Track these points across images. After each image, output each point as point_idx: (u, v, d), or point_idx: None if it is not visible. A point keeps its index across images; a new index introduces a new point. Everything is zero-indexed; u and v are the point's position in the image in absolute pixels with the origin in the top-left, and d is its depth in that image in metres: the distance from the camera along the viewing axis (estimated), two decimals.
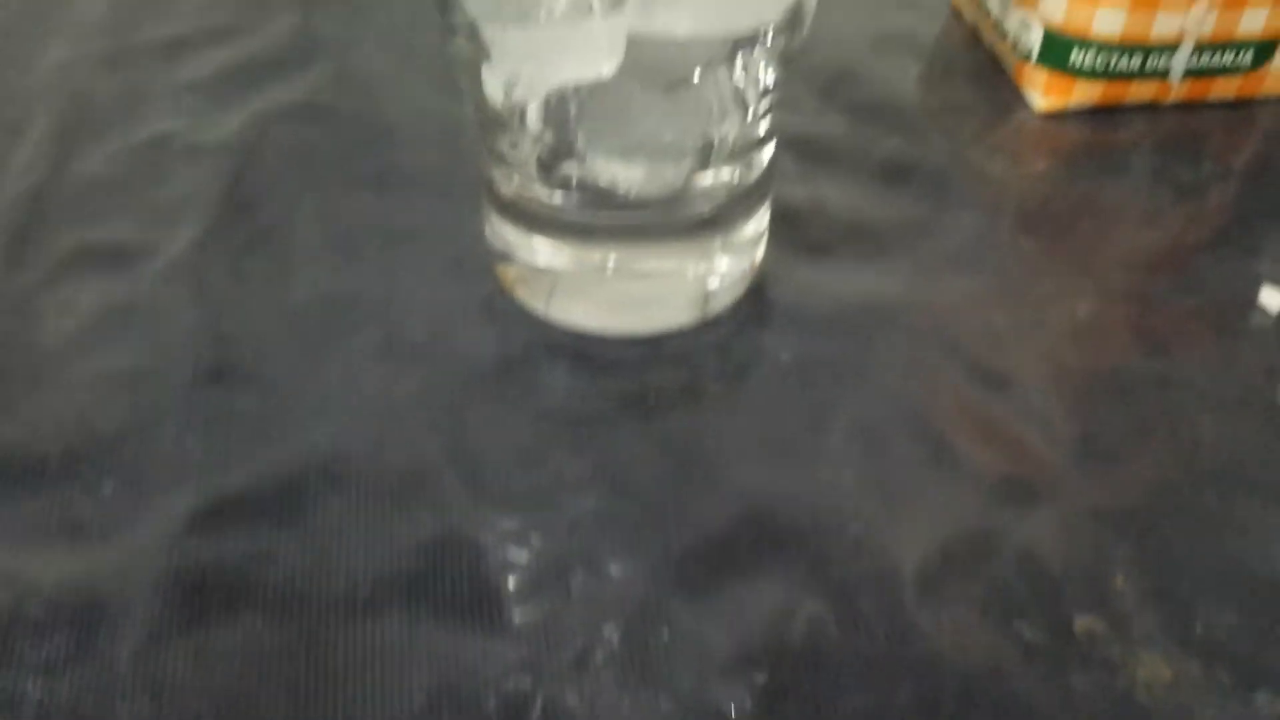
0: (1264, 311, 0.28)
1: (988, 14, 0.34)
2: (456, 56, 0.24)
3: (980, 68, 0.34)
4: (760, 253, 0.28)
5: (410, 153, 0.31)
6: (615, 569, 0.22)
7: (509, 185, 0.26)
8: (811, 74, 0.34)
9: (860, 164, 0.31)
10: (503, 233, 0.27)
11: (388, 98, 0.32)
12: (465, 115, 0.31)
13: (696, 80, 0.25)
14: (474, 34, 0.24)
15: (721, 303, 0.28)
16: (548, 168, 0.26)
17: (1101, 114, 0.33)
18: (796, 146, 0.31)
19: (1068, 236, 0.29)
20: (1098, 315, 0.28)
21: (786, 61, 0.26)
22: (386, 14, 0.35)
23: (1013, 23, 0.33)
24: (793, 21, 0.25)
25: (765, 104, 0.26)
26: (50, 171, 0.30)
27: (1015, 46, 0.33)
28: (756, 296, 0.28)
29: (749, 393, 0.25)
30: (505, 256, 0.27)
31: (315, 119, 0.32)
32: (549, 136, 0.25)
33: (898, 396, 0.25)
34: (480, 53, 0.24)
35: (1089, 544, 0.23)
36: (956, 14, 0.36)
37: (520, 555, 0.22)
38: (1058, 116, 0.33)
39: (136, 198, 0.29)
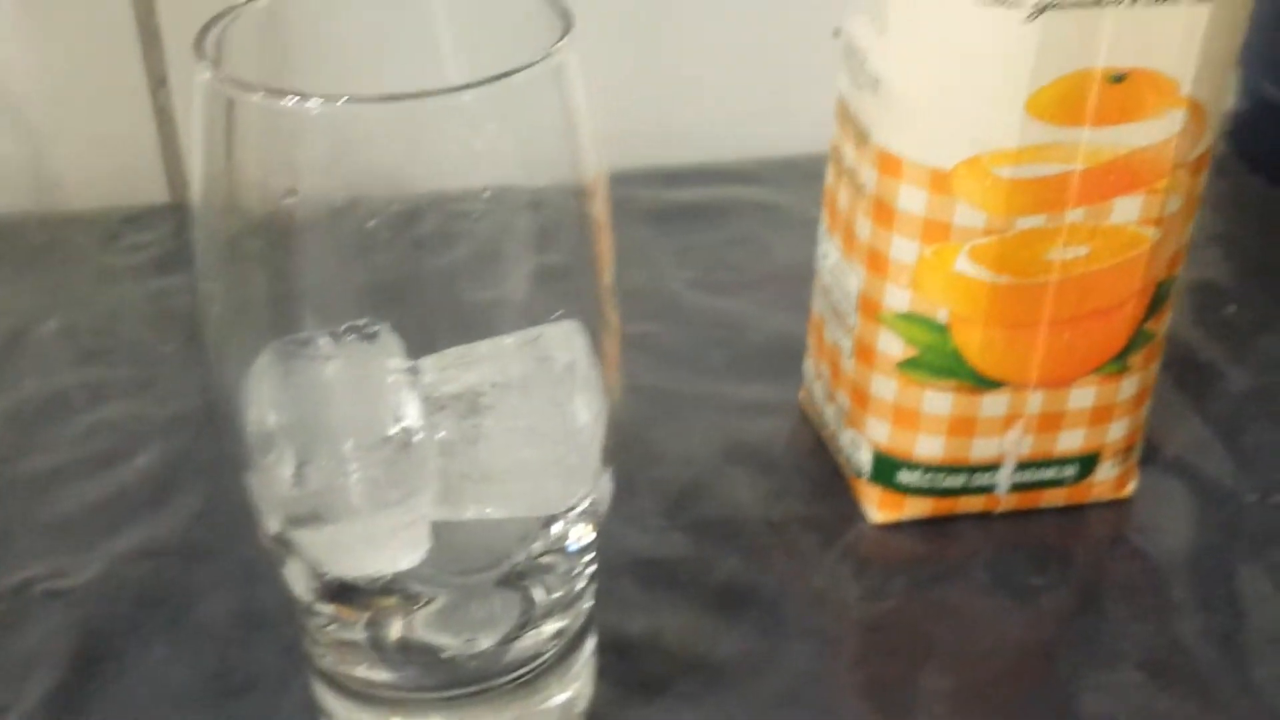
0: None
1: (827, 425, 0.36)
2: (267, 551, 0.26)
3: (825, 476, 0.36)
4: (585, 700, 0.29)
5: (266, 595, 0.32)
6: None
7: (325, 662, 0.27)
8: (660, 489, 0.35)
9: (700, 588, 0.32)
10: (326, 701, 0.28)
11: (250, 535, 0.33)
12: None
13: (511, 555, 0.26)
14: (275, 535, 0.25)
15: None
16: (368, 644, 0.27)
17: (937, 523, 0.34)
18: (637, 570, 0.33)
19: (897, 664, 0.30)
20: None
21: (596, 525, 0.27)
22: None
23: (846, 440, 0.34)
24: (600, 490, 0.27)
25: (581, 563, 0.28)
26: None
27: (849, 462, 0.34)
28: None
29: None
30: (331, 718, 0.28)
31: (175, 557, 0.33)
32: (359, 629, 0.26)
33: None
34: (282, 549, 0.25)
35: None
36: (804, 419, 0.38)
37: None
38: (894, 527, 0.34)
39: None
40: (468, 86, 0.21)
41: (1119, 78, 0.28)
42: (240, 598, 0.32)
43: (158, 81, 0.47)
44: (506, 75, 0.21)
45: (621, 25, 0.50)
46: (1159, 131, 0.28)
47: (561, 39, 0.22)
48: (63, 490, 0.35)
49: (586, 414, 0.25)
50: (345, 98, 0.21)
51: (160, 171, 0.48)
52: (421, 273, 0.24)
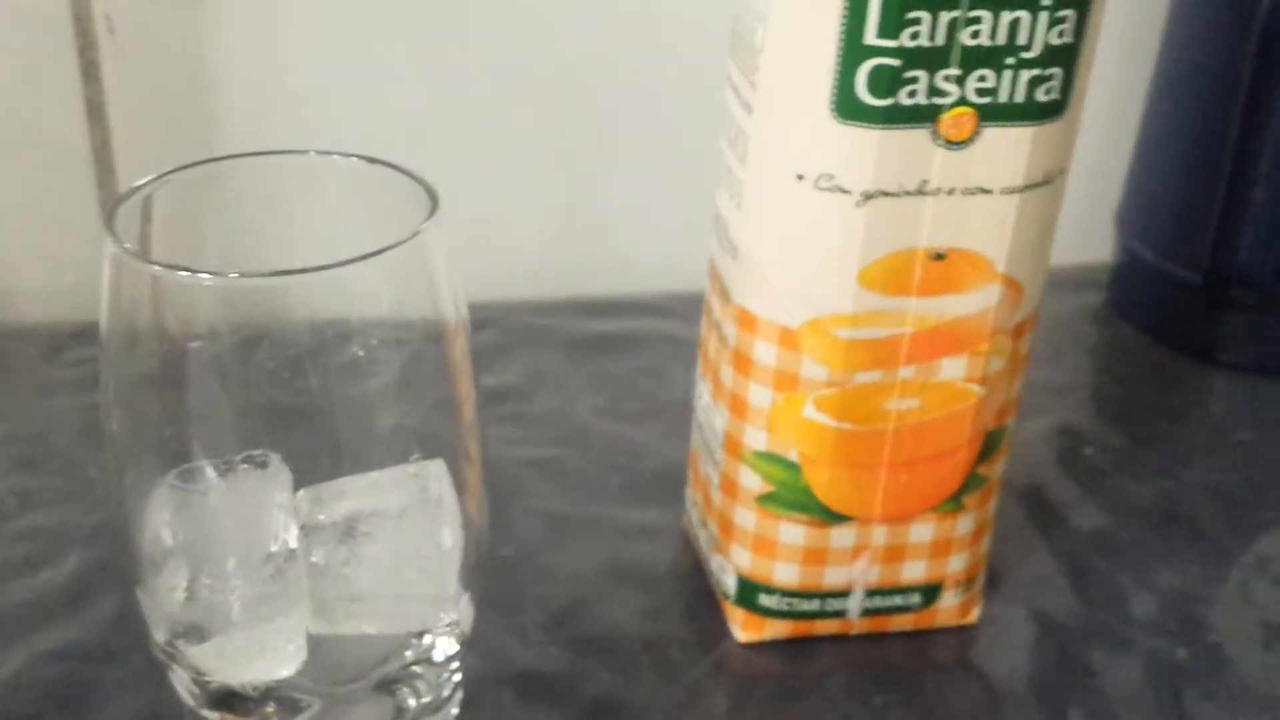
0: None
1: (701, 550, 0.39)
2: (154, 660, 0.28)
3: (700, 597, 0.39)
4: None
5: (165, 694, 0.34)
6: None
7: None
8: (545, 606, 0.38)
9: (574, 701, 0.35)
10: None
11: None
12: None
13: (383, 665, 0.29)
14: (162, 644, 0.28)
15: None
16: None
17: (796, 644, 0.37)
18: (515, 682, 0.35)
19: None
20: None
21: (460, 638, 0.30)
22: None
23: (715, 565, 0.37)
24: (462, 610, 0.30)
25: (448, 672, 0.30)
26: None
27: (719, 585, 0.37)
28: None
29: None
30: None
31: (87, 659, 0.35)
32: None
33: None
34: (169, 657, 0.28)
35: None
36: (686, 540, 0.41)
37: None
38: (757, 646, 0.37)
39: None
40: (346, 262, 0.25)
41: (940, 256, 0.31)
42: (146, 699, 0.34)
43: (108, 204, 0.50)
44: (378, 252, 0.25)
45: (550, 167, 0.54)
46: (978, 303, 0.32)
47: (428, 219, 0.26)
48: None
49: (449, 542, 0.28)
50: (234, 274, 0.24)
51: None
52: (304, 409, 0.27)
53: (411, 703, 0.30)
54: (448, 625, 0.29)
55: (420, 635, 0.29)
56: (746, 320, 0.34)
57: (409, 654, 0.29)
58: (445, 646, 0.29)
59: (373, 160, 0.27)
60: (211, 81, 0.50)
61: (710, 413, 0.36)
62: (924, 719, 0.35)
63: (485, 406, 0.31)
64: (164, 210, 0.27)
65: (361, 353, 0.26)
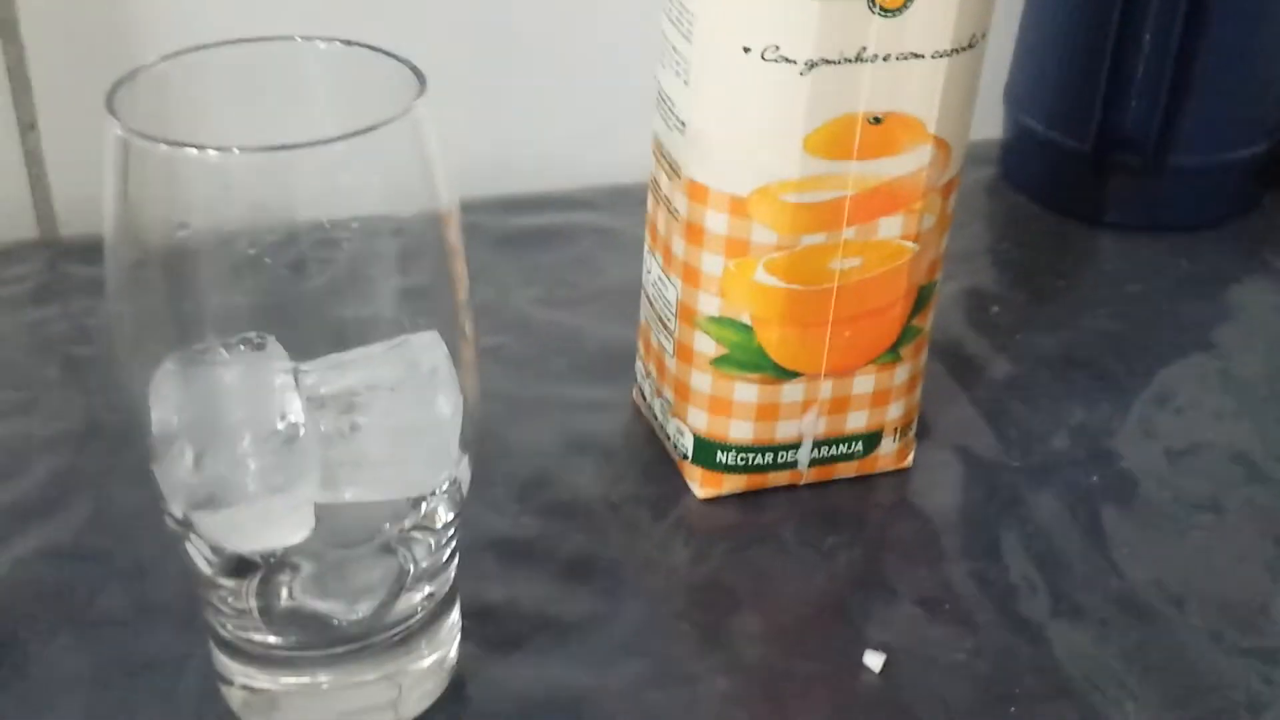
0: (869, 670, 0.34)
1: (655, 418, 0.41)
2: (170, 532, 0.30)
3: (655, 461, 0.41)
4: (453, 656, 0.33)
5: (158, 587, 0.35)
6: None
7: (226, 630, 0.31)
8: (512, 479, 0.40)
9: (550, 561, 0.37)
10: (225, 665, 0.32)
11: (139, 536, 0.37)
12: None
13: (385, 529, 0.31)
14: (178, 517, 0.29)
15: (422, 705, 0.33)
16: (261, 611, 0.31)
17: (751, 496, 0.40)
18: (496, 547, 0.37)
19: (717, 614, 0.36)
20: (736, 688, 0.33)
21: (458, 503, 0.32)
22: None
23: (672, 429, 0.40)
24: (460, 473, 0.32)
25: (446, 536, 0.32)
26: None
27: (675, 447, 0.40)
28: (455, 693, 0.33)
29: None
30: (230, 682, 0.32)
31: (70, 558, 0.36)
32: (253, 597, 0.30)
33: None
34: (185, 529, 0.29)
35: None
36: (637, 413, 0.43)
37: None
38: (715, 501, 0.39)
39: None
40: (344, 137, 0.26)
41: (877, 120, 0.34)
42: (134, 591, 0.36)
43: (27, 125, 0.50)
44: (374, 128, 0.26)
45: (466, 72, 0.55)
46: (912, 163, 0.35)
47: (418, 96, 0.27)
48: None
49: (447, 409, 0.30)
50: (236, 148, 0.25)
51: (30, 209, 0.51)
52: (302, 292, 0.29)
53: (412, 565, 0.32)
54: (447, 489, 0.31)
55: (420, 500, 0.31)
56: (697, 192, 0.36)
57: (409, 520, 0.31)
58: (444, 512, 0.31)
59: (351, 43, 0.28)
60: None
61: (661, 285, 0.39)
62: (871, 555, 0.38)
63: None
64: (148, 100, 0.27)
65: (355, 229, 0.27)
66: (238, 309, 0.28)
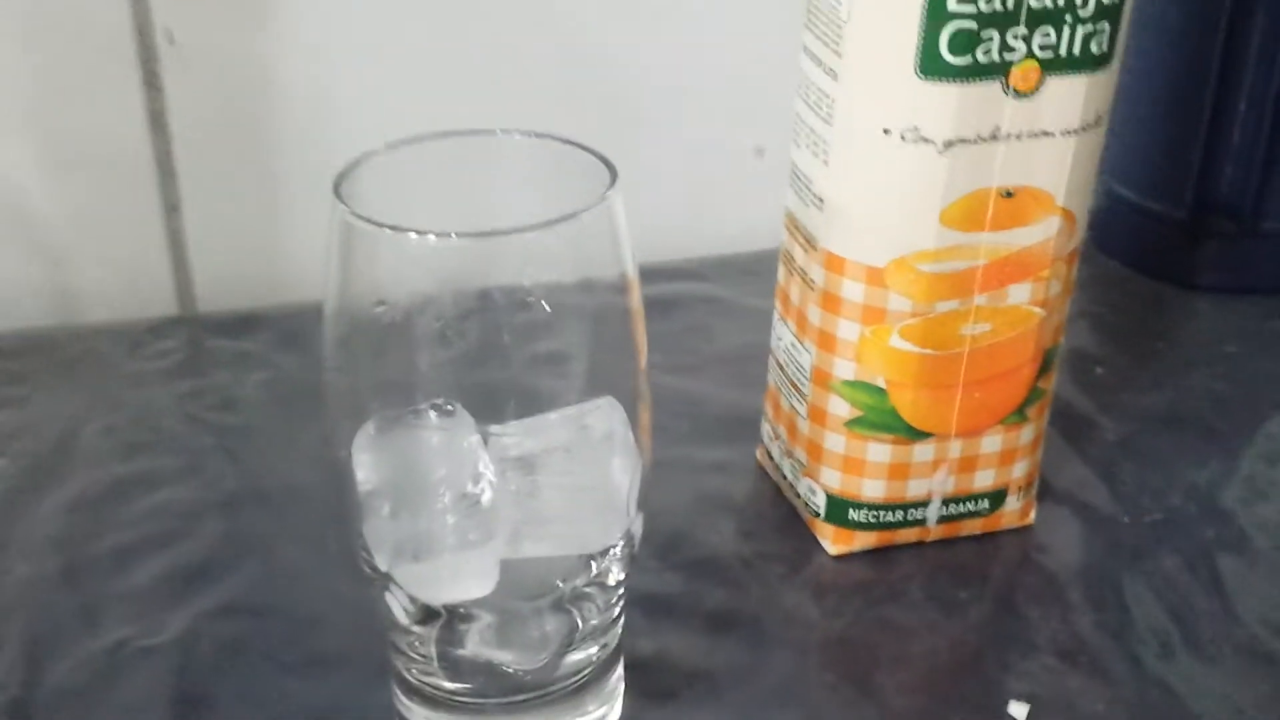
0: None
1: (785, 477, 0.43)
2: (370, 580, 0.32)
3: (784, 519, 0.43)
4: (619, 708, 0.35)
5: (332, 639, 0.37)
6: None
7: (411, 675, 0.33)
8: (651, 538, 0.41)
9: (694, 615, 0.39)
10: (407, 708, 0.34)
11: (310, 591, 0.39)
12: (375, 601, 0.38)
13: (561, 585, 0.33)
14: (379, 571, 0.31)
15: None
16: (444, 658, 0.33)
17: (880, 552, 0.41)
18: (643, 604, 0.39)
19: (860, 666, 0.37)
20: None
21: (630, 561, 0.34)
22: (304, 512, 0.43)
23: (802, 488, 0.42)
24: (630, 536, 0.34)
25: (616, 594, 0.34)
26: (23, 687, 0.36)
27: (807, 505, 0.42)
28: None
29: None
30: None
31: (247, 614, 0.38)
32: (434, 644, 0.32)
33: None
34: (384, 581, 0.31)
35: None
36: (762, 473, 0.45)
37: None
38: (846, 558, 0.41)
39: (101, 702, 0.35)
40: (548, 224, 0.28)
41: (1009, 194, 0.36)
42: (309, 644, 0.38)
43: (171, 208, 0.53)
44: (574, 215, 0.29)
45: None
46: (1041, 233, 0.37)
47: (610, 187, 0.30)
48: (136, 565, 0.40)
49: (621, 472, 0.32)
50: (454, 233, 0.28)
51: (171, 289, 0.54)
52: (491, 360, 0.31)
53: (581, 622, 0.33)
54: (620, 548, 0.33)
55: (592, 558, 0.33)
56: (834, 263, 0.38)
57: (581, 578, 0.33)
58: (617, 570, 0.33)
59: (543, 136, 0.31)
60: (267, 90, 0.52)
61: (794, 351, 0.41)
62: (1002, 609, 0.40)
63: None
64: (366, 186, 0.30)
65: (547, 307, 0.30)
66: (434, 376, 0.31)
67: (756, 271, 0.63)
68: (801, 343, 0.40)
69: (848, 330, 0.38)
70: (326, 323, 0.30)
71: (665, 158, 0.59)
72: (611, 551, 0.33)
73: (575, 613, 0.33)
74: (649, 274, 0.60)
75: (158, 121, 0.51)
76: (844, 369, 0.39)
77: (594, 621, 0.33)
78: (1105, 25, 0.34)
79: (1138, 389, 0.50)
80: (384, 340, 0.30)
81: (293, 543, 0.41)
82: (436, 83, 0.54)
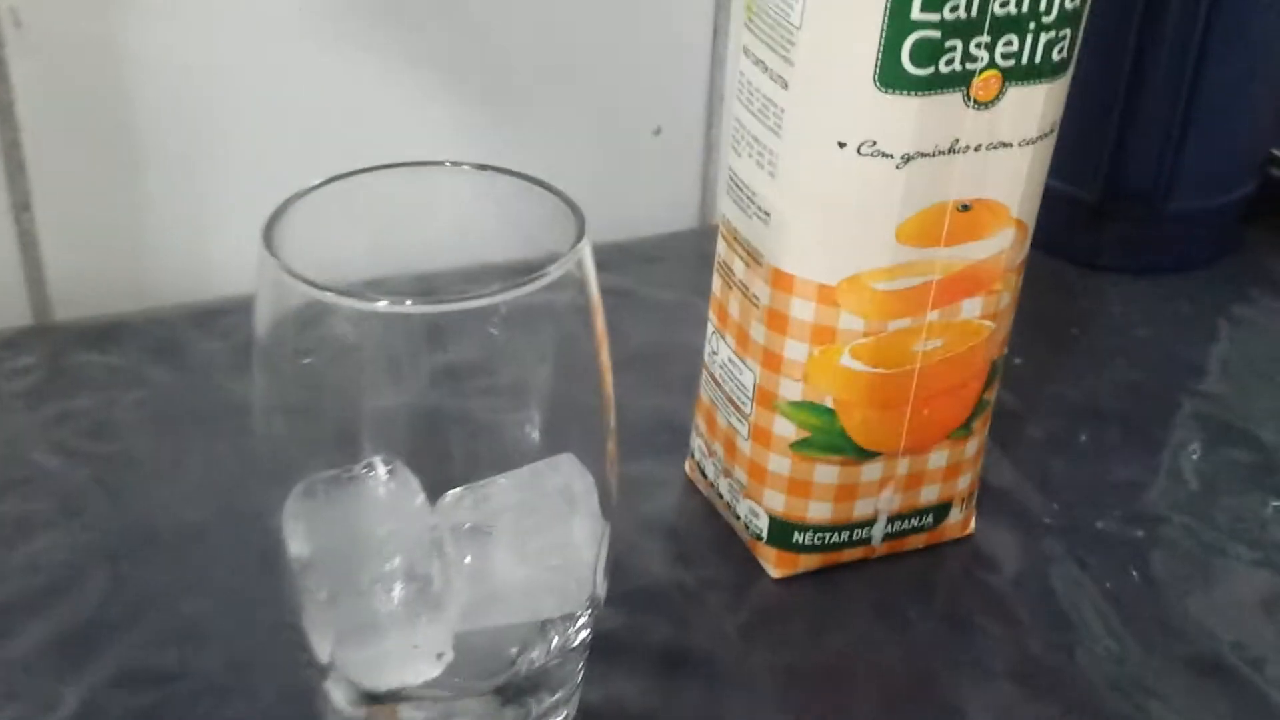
0: None
1: (721, 496, 0.41)
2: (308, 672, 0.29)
3: (720, 539, 0.41)
4: None
5: (252, 705, 0.34)
6: None
7: None
8: None
9: (643, 656, 0.37)
10: None
11: (221, 649, 0.35)
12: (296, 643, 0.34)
13: (515, 657, 0.30)
14: (317, 658, 0.28)
15: None
16: None
17: (824, 573, 0.40)
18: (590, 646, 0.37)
19: (823, 694, 0.36)
20: None
21: (595, 620, 0.31)
22: (202, 555, 0.39)
23: (743, 510, 0.40)
24: (595, 600, 0.31)
25: (577, 656, 0.32)
26: None
27: (748, 527, 0.40)
28: None
29: None
30: None
31: (149, 684, 0.35)
32: None
33: None
34: (323, 672, 0.28)
35: None
36: (692, 488, 0.43)
37: None
38: (789, 580, 0.40)
39: None
40: (515, 286, 0.25)
41: (965, 207, 0.34)
42: (227, 713, 0.34)
43: (21, 207, 0.47)
44: (545, 274, 0.26)
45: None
46: (995, 246, 0.35)
47: (579, 240, 0.27)
48: (16, 628, 0.36)
49: (582, 535, 0.29)
50: (409, 301, 0.24)
51: (24, 294, 0.49)
52: (439, 418, 0.28)
53: (539, 704, 0.31)
54: (585, 614, 0.30)
55: (553, 625, 0.30)
56: (782, 280, 0.35)
57: (538, 650, 0.30)
58: (576, 636, 0.31)
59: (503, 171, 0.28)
60: (123, 75, 0.47)
61: (733, 368, 0.38)
62: (950, 624, 0.39)
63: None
64: (300, 223, 0.26)
65: (504, 375, 0.27)
66: (374, 430, 0.28)
67: (660, 258, 0.61)
68: (743, 360, 0.38)
69: (795, 350, 0.36)
70: (254, 370, 0.26)
71: (561, 139, 0.55)
72: (575, 620, 0.30)
73: (531, 701, 0.30)
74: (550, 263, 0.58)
75: (4, 112, 0.45)
76: (790, 389, 0.37)
77: (556, 697, 0.31)
78: (1067, 31, 0.33)
79: (1060, 381, 0.49)
80: (316, 390, 0.27)
81: (193, 593, 0.38)
82: (309, 61, 0.49)
